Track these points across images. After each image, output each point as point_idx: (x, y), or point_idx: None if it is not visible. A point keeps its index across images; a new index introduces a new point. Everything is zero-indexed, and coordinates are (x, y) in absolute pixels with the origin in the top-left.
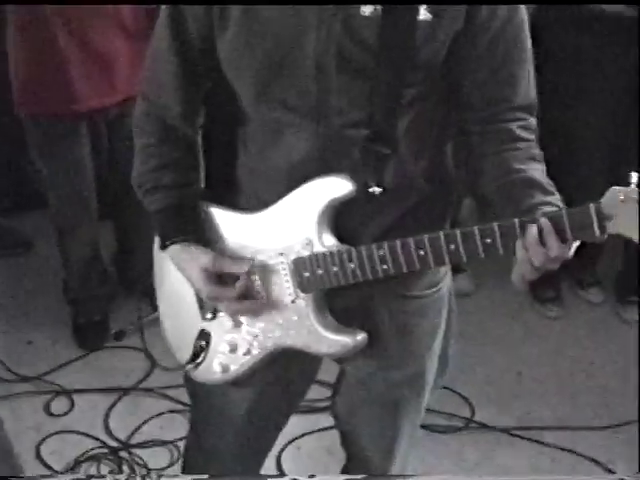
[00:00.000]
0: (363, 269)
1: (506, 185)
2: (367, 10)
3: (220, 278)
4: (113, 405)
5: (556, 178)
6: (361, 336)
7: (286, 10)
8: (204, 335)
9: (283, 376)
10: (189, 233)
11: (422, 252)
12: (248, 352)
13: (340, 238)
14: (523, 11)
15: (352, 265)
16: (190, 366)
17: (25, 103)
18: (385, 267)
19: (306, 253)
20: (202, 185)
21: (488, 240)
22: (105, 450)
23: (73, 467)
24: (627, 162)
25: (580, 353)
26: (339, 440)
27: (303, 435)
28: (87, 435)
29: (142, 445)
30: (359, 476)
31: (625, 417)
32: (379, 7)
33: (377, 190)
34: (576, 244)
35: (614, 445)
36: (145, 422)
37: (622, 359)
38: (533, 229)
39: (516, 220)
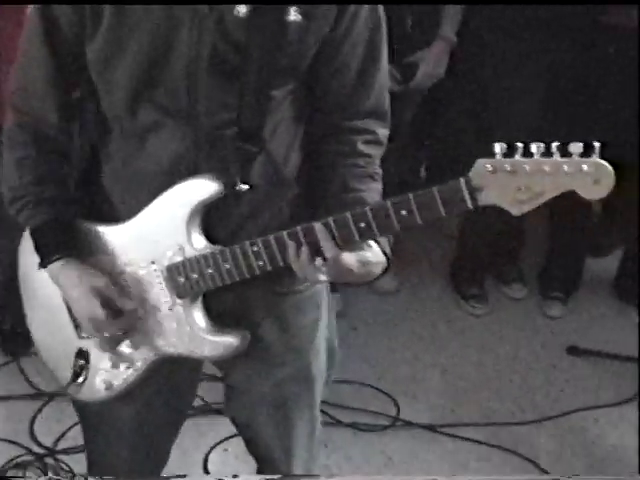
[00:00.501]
0: (239, 268)
1: (339, 203)
2: (242, 10)
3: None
4: (38, 411)
5: None
6: (244, 335)
7: (159, 10)
8: (82, 354)
9: (167, 384)
10: (71, 249)
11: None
12: (130, 365)
13: (217, 240)
14: (381, 14)
15: (227, 265)
16: (72, 387)
17: None
18: (261, 263)
19: (179, 259)
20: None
21: (362, 224)
22: (31, 457)
23: None
24: None
25: (504, 349)
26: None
27: (231, 437)
28: (12, 442)
29: (68, 451)
30: (276, 476)
31: (549, 412)
32: (251, 8)
33: (243, 187)
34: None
35: (539, 440)
36: (70, 428)
37: (546, 354)
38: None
39: (388, 202)
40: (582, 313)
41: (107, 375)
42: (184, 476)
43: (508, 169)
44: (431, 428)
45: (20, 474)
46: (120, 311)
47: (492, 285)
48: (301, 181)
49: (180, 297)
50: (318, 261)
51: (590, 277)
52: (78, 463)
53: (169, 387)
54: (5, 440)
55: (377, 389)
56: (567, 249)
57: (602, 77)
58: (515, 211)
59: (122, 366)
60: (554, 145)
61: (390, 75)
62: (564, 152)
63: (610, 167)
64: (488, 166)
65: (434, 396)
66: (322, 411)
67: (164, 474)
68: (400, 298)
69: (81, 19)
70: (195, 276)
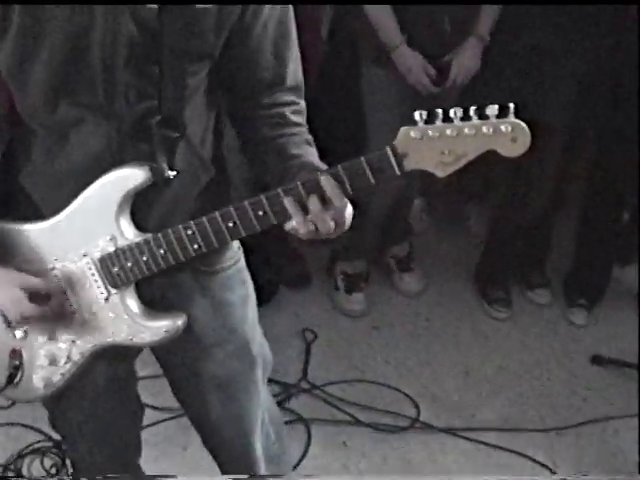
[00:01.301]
0: (174, 252)
1: (285, 170)
2: None
3: (30, 297)
4: None
5: None
6: (182, 317)
7: (71, 8)
8: (15, 353)
9: (108, 376)
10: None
11: (231, 223)
12: (68, 359)
13: (145, 228)
14: None
15: (162, 251)
16: (8, 388)
17: None
18: (196, 246)
19: (111, 249)
20: None
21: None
22: (49, 444)
23: (15, 460)
24: None
25: (527, 354)
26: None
27: None
28: (30, 428)
29: None
30: (243, 476)
31: (570, 420)
32: None
33: (171, 174)
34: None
35: (558, 447)
36: None
37: (568, 361)
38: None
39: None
40: (607, 322)
41: (44, 372)
42: (174, 476)
43: (431, 135)
44: (451, 431)
45: (38, 460)
46: (47, 297)
47: (517, 290)
48: (216, 164)
49: (115, 287)
50: (323, 213)
51: (616, 286)
52: None
53: (111, 378)
54: (24, 425)
55: (398, 390)
56: (594, 257)
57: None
58: (440, 173)
59: (61, 361)
60: (472, 109)
61: (427, 75)
62: (482, 115)
63: (525, 125)
64: (412, 133)
65: (455, 399)
66: (340, 409)
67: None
68: (424, 300)
69: None
70: (129, 264)
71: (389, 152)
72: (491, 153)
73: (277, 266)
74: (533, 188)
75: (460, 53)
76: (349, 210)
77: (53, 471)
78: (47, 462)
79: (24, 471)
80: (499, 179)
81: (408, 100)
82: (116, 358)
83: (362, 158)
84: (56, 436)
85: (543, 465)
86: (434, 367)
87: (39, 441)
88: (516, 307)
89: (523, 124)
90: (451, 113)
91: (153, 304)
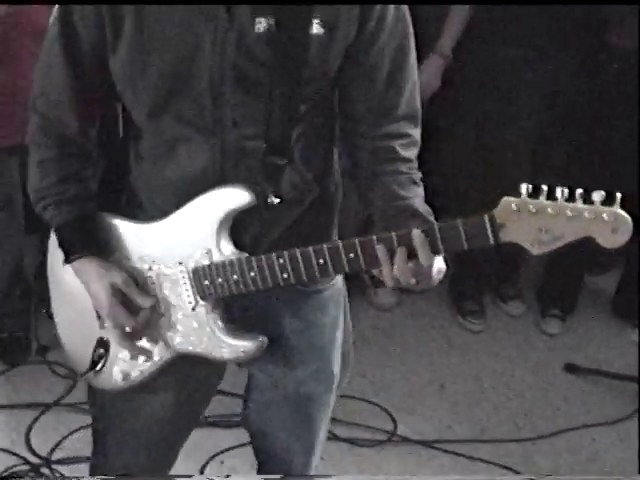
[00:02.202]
0: (264, 277)
1: (389, 211)
2: (261, 26)
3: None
4: (35, 421)
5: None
6: (262, 339)
7: (180, 25)
8: (103, 343)
9: (184, 385)
10: (93, 246)
11: (322, 261)
12: (149, 359)
13: (239, 246)
14: (408, 18)
15: (252, 274)
16: (90, 374)
17: None
18: (285, 276)
19: (205, 262)
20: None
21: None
22: (26, 467)
23: None
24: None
25: (501, 365)
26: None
27: (227, 450)
28: (8, 452)
29: (64, 461)
30: (276, 476)
31: (546, 429)
32: (272, 22)
33: (276, 201)
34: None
35: (535, 457)
36: (66, 437)
37: (543, 371)
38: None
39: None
40: (580, 331)
41: (125, 365)
42: (190, 476)
43: (532, 210)
44: (428, 444)
45: None
46: (138, 307)
47: (490, 301)
48: (323, 184)
49: (203, 299)
50: (411, 265)
51: (588, 295)
52: (74, 473)
53: (186, 387)
54: (1, 449)
55: (374, 404)
56: (565, 267)
57: (605, 99)
58: (535, 251)
59: (140, 358)
60: (578, 192)
61: None
62: (586, 199)
63: (629, 218)
64: (513, 205)
65: (431, 412)
66: None
67: None
68: (398, 313)
69: (101, 31)
70: (220, 280)
71: (487, 221)
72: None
73: None
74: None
75: (421, 70)
76: (438, 267)
77: None
78: None
79: None
80: (470, 192)
81: None
82: (197, 369)
83: (459, 221)
84: (33, 459)
85: (520, 475)
86: (410, 380)
87: (16, 465)
88: (490, 319)
89: (626, 216)
90: (557, 192)
91: (243, 319)
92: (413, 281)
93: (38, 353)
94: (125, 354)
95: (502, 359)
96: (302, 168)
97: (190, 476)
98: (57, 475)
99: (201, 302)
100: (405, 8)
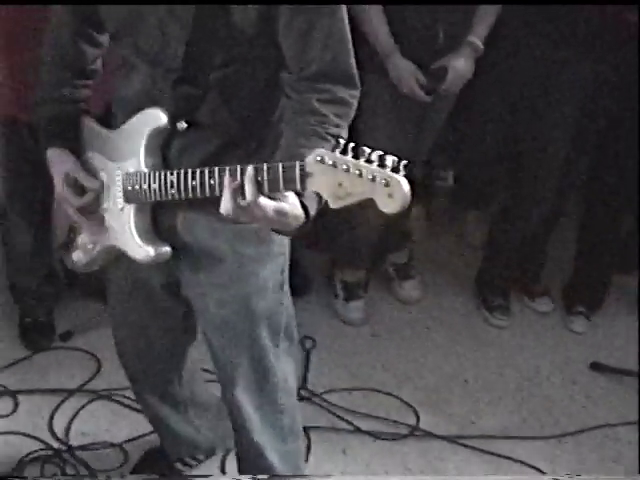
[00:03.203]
0: (179, 189)
1: (283, 155)
2: None
3: (77, 187)
4: (58, 407)
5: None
6: (164, 249)
7: None
8: (71, 228)
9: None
10: (66, 141)
11: (212, 182)
12: (93, 245)
13: (166, 162)
14: None
15: (171, 182)
16: (62, 252)
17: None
18: (198, 190)
19: (132, 170)
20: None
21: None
22: (49, 452)
23: (16, 468)
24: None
25: (526, 362)
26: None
27: None
28: (31, 436)
29: (87, 447)
30: (264, 476)
31: (570, 427)
32: None
33: (183, 125)
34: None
35: (558, 455)
36: (90, 424)
37: (568, 369)
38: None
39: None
40: (606, 329)
41: (81, 249)
42: (208, 476)
43: (329, 163)
44: (450, 439)
45: (38, 468)
46: (83, 189)
47: (516, 298)
48: (240, 125)
49: (127, 202)
50: (242, 201)
51: (615, 293)
52: (98, 460)
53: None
54: (24, 434)
55: (397, 398)
56: (593, 264)
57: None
58: (333, 204)
59: (88, 245)
60: (375, 154)
61: (418, 82)
62: (382, 163)
63: (405, 183)
64: (317, 157)
65: (454, 407)
66: (339, 417)
67: None
68: (424, 307)
69: None
70: (138, 187)
71: (297, 168)
72: None
73: None
74: (534, 197)
75: (453, 59)
76: (277, 208)
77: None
78: (48, 470)
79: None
80: (499, 188)
81: (402, 106)
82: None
83: (280, 165)
84: (56, 444)
85: (544, 473)
86: (434, 375)
87: (38, 450)
88: (516, 315)
89: (402, 182)
90: (361, 151)
91: (174, 234)
92: (242, 217)
93: (62, 338)
94: (83, 239)
95: (527, 355)
96: (223, 104)
97: (209, 475)
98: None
99: (127, 205)
100: None
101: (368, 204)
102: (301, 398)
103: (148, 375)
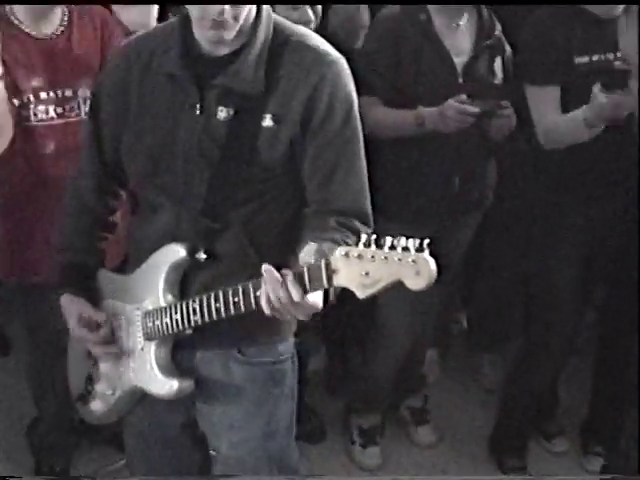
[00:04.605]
0: (189, 317)
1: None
2: (222, 115)
3: (92, 327)
4: None
5: None
6: (187, 383)
7: (164, 112)
8: (90, 379)
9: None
10: (80, 289)
11: (236, 299)
12: (113, 390)
13: (186, 295)
14: (356, 117)
15: (179, 315)
16: (78, 404)
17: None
18: (207, 313)
19: (150, 307)
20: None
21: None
22: None
23: None
24: None
25: None
26: None
27: None
28: None
29: None
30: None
31: None
32: (232, 112)
33: (203, 257)
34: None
35: None
36: None
37: None
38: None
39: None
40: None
41: (100, 399)
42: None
43: (355, 255)
44: None
45: None
46: (98, 325)
47: (534, 440)
48: (260, 256)
49: (148, 339)
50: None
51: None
52: None
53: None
54: None
55: None
56: (608, 404)
57: None
58: (360, 294)
59: (108, 391)
60: (397, 240)
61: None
62: (405, 247)
63: (431, 261)
64: (342, 251)
65: None
66: None
67: None
68: (440, 450)
69: (116, 127)
70: (158, 323)
71: (323, 267)
72: None
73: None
74: (551, 337)
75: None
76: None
77: None
78: None
79: None
80: (514, 331)
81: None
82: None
83: (306, 266)
84: None
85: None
86: None
87: None
88: (532, 456)
89: (429, 259)
90: (382, 241)
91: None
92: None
93: None
94: (102, 387)
95: None
96: (243, 237)
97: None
98: None
99: (147, 343)
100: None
101: None
102: None
103: None
